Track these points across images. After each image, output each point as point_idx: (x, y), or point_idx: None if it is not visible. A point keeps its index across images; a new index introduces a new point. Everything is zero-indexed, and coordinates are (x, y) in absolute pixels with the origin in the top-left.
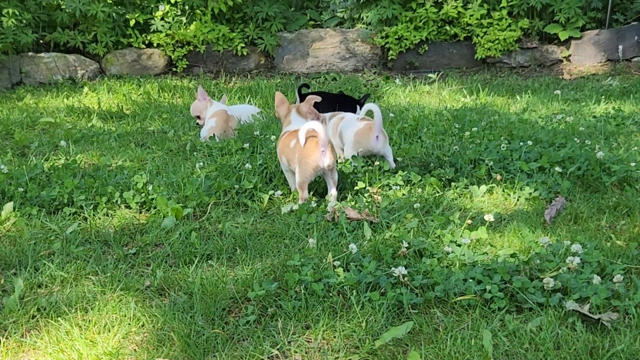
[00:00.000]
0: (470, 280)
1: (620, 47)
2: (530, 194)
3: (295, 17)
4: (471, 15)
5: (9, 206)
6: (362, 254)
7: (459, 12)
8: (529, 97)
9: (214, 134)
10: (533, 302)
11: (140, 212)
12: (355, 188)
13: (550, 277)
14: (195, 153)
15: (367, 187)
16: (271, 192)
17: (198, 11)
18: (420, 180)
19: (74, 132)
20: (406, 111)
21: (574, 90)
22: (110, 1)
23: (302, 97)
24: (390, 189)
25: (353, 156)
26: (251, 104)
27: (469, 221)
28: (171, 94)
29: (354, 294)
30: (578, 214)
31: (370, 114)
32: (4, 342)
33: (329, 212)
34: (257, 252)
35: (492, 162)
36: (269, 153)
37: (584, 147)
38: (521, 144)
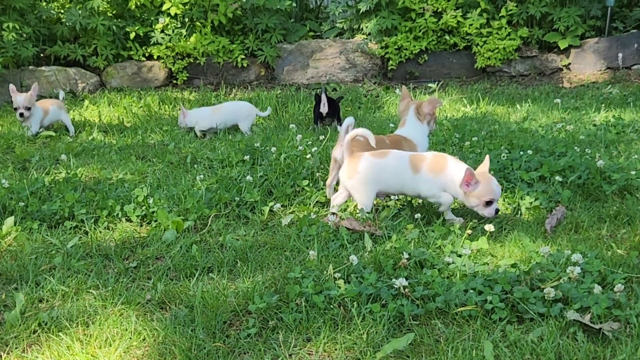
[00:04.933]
0: (471, 291)
1: (620, 55)
2: (530, 203)
3: (295, 28)
4: (470, 25)
5: (10, 220)
6: (363, 265)
7: (458, 21)
8: (529, 106)
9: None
10: (534, 313)
11: (141, 226)
12: None
13: (551, 287)
14: (195, 165)
15: None
16: (271, 204)
17: (198, 23)
18: None
19: (75, 146)
20: None
21: (574, 99)
22: (110, 14)
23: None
24: (390, 199)
25: None
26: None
27: (470, 231)
28: (172, 106)
29: (355, 306)
30: (579, 223)
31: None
32: (5, 358)
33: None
34: (257, 265)
35: (492, 172)
36: (269, 165)
37: (584, 156)
38: (521, 153)
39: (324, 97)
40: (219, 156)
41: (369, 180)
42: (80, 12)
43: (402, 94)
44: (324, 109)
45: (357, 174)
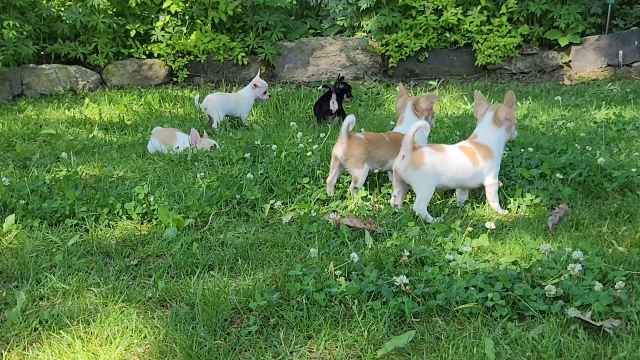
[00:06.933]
0: (472, 289)
1: (621, 52)
2: (531, 200)
3: (295, 25)
4: (471, 22)
5: (10, 218)
6: (364, 263)
7: (458, 19)
8: (530, 103)
9: None
10: (535, 310)
11: (142, 223)
12: (357, 196)
13: (552, 285)
14: (196, 163)
15: (369, 196)
16: (272, 201)
17: (198, 21)
18: None
19: (75, 144)
20: None
21: (574, 96)
22: (111, 12)
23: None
24: (391, 197)
25: None
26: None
27: (470, 229)
28: (172, 104)
29: (356, 304)
30: (579, 221)
31: None
32: (6, 355)
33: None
34: (258, 262)
35: None
36: (270, 163)
37: (585, 153)
38: (522, 150)
39: (334, 96)
40: (219, 154)
41: (433, 172)
42: (80, 10)
43: (399, 91)
44: (333, 106)
45: (423, 165)
